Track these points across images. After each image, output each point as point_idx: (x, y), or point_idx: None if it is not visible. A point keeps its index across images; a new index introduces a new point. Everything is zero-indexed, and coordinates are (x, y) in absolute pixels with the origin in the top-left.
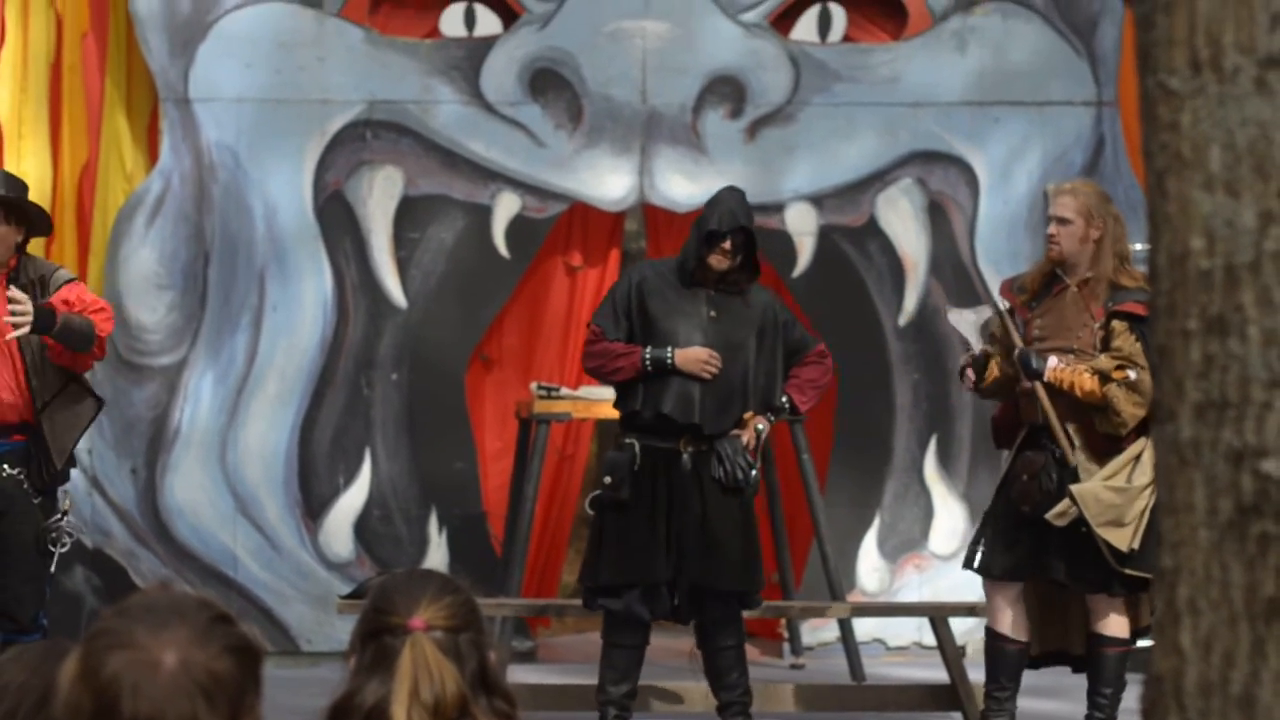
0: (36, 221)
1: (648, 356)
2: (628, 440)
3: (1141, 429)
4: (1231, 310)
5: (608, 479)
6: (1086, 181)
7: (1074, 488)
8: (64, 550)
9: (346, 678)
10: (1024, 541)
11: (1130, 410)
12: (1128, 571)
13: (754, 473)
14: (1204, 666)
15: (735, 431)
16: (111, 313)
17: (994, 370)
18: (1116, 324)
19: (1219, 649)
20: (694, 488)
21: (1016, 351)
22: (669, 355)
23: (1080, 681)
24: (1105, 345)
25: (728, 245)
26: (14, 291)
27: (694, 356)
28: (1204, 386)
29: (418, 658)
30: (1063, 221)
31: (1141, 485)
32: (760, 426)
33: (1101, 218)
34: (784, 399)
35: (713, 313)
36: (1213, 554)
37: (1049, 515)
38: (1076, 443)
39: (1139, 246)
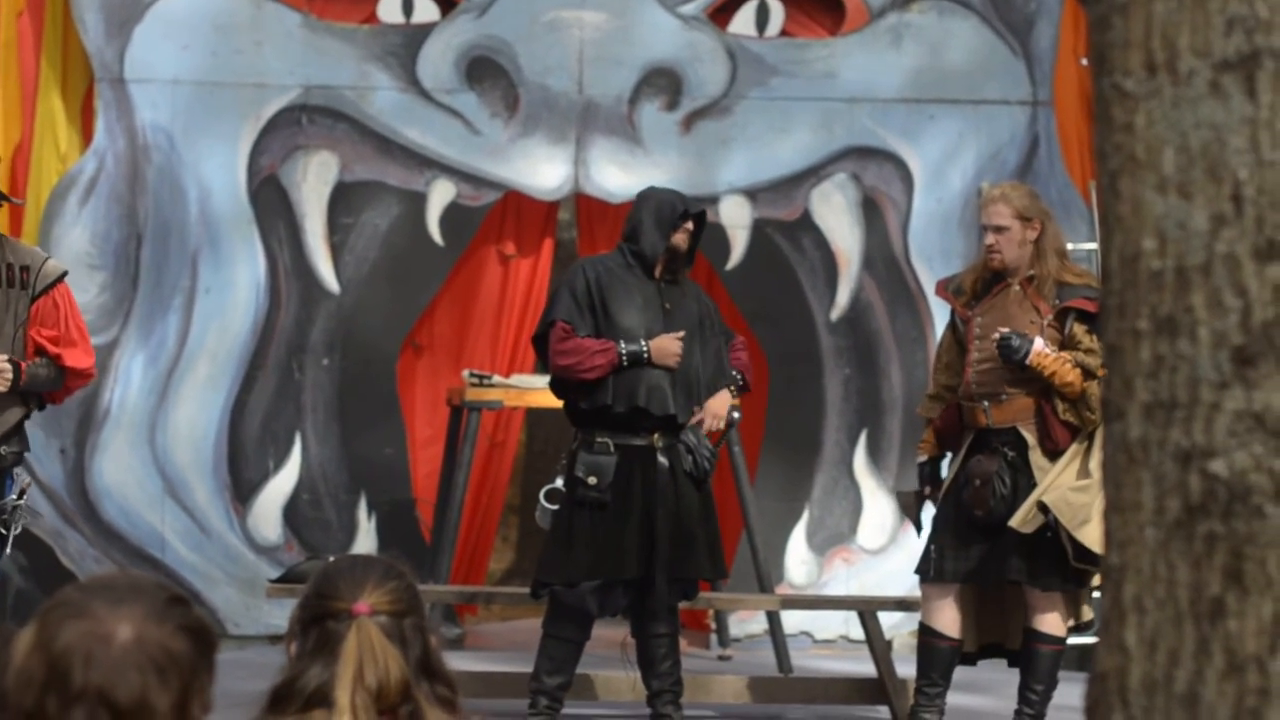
0: None
1: (624, 351)
2: (600, 440)
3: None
4: (1182, 311)
5: (592, 479)
6: (1014, 184)
7: (1046, 499)
8: (16, 533)
9: (286, 663)
10: (977, 545)
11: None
12: (1082, 566)
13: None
14: (1149, 665)
15: (694, 419)
16: (88, 342)
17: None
18: (1078, 327)
19: (1164, 647)
20: (669, 482)
21: (997, 335)
22: (644, 348)
23: (1009, 677)
24: (1062, 344)
25: (690, 226)
26: None
27: (667, 348)
28: (1153, 386)
29: (363, 642)
30: (999, 230)
31: (1101, 478)
32: (737, 415)
33: (1036, 217)
34: (737, 375)
35: (667, 304)
36: (1159, 553)
37: (1013, 523)
38: (1030, 443)
39: (1071, 246)
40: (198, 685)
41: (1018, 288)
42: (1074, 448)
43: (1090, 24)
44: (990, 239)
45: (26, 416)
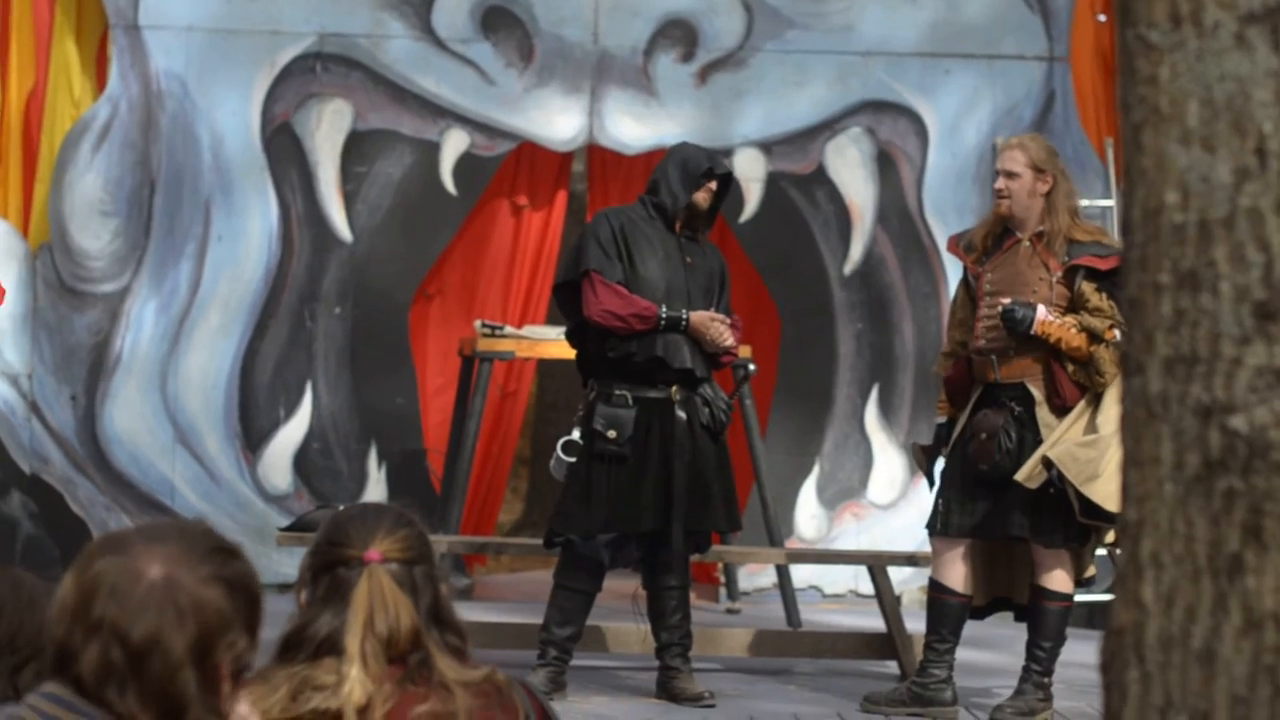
0: None
1: (664, 316)
2: (619, 392)
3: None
4: (1204, 265)
5: (612, 433)
6: (1034, 136)
7: (1051, 453)
8: None
9: (296, 610)
10: (982, 499)
11: (1112, 370)
12: (1089, 522)
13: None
14: (1165, 620)
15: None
16: None
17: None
18: (1086, 285)
19: (1181, 603)
20: (687, 435)
21: (1000, 306)
22: (684, 317)
23: (1018, 632)
24: (1071, 302)
25: (714, 186)
26: None
27: (708, 326)
28: (1174, 341)
29: (374, 590)
30: (1010, 175)
31: (1109, 434)
32: (752, 367)
33: (1050, 171)
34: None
35: (688, 258)
36: (1177, 508)
37: (1018, 477)
38: (1038, 398)
39: (1085, 202)
40: (227, 640)
41: (1028, 244)
42: (1081, 404)
43: None
44: (1000, 183)
45: None
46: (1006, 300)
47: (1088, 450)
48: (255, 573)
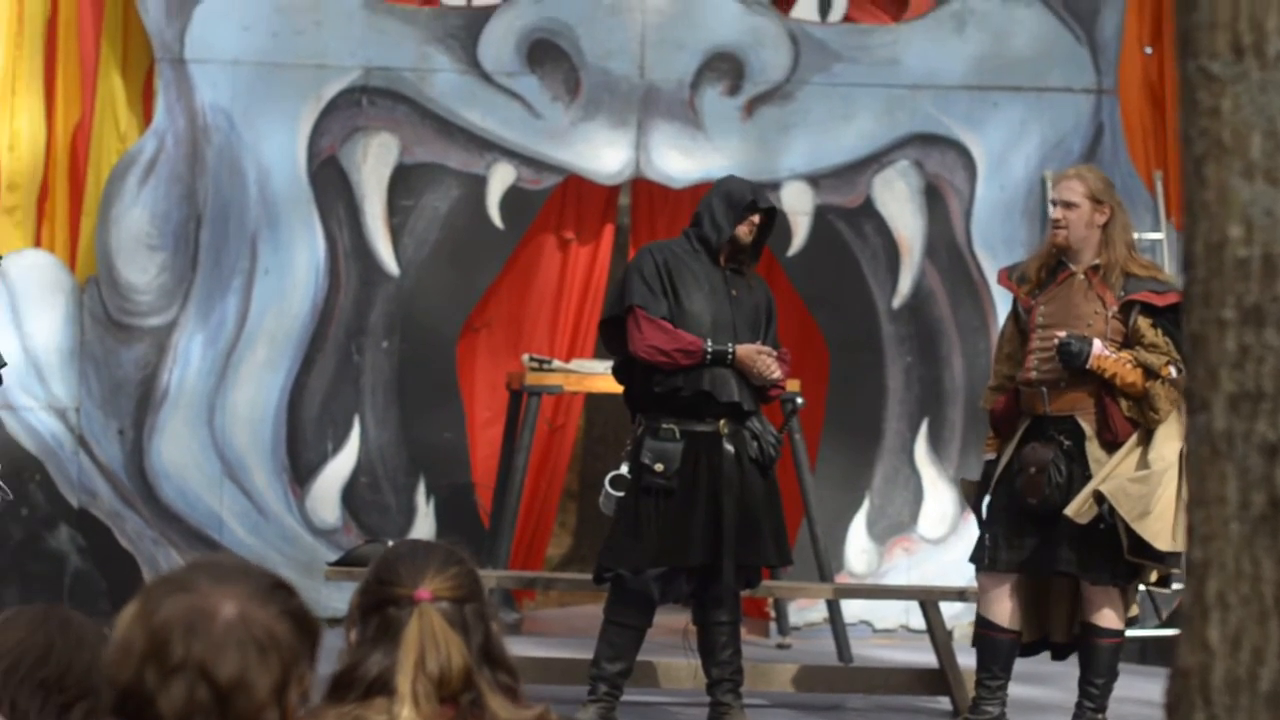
0: None
1: (709, 350)
2: (666, 426)
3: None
4: (1269, 300)
5: (659, 466)
6: (1090, 167)
7: (1103, 488)
8: None
9: (346, 648)
10: (1030, 534)
11: (1166, 406)
12: (1136, 560)
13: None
14: (1232, 662)
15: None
16: None
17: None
18: (1142, 321)
19: (1248, 645)
20: (735, 469)
21: (1055, 340)
22: (730, 350)
23: (1069, 669)
24: (1126, 337)
25: (757, 219)
26: None
27: (754, 360)
28: (1238, 377)
29: (425, 629)
30: (1069, 205)
31: (1161, 470)
32: (800, 400)
33: (1108, 203)
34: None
35: (734, 292)
36: (1244, 548)
37: (1068, 511)
38: (1088, 433)
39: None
40: (297, 672)
41: (1082, 277)
42: (1133, 439)
43: (1176, 6)
44: (1058, 213)
45: None
46: (1061, 334)
47: (1140, 486)
48: (308, 605)
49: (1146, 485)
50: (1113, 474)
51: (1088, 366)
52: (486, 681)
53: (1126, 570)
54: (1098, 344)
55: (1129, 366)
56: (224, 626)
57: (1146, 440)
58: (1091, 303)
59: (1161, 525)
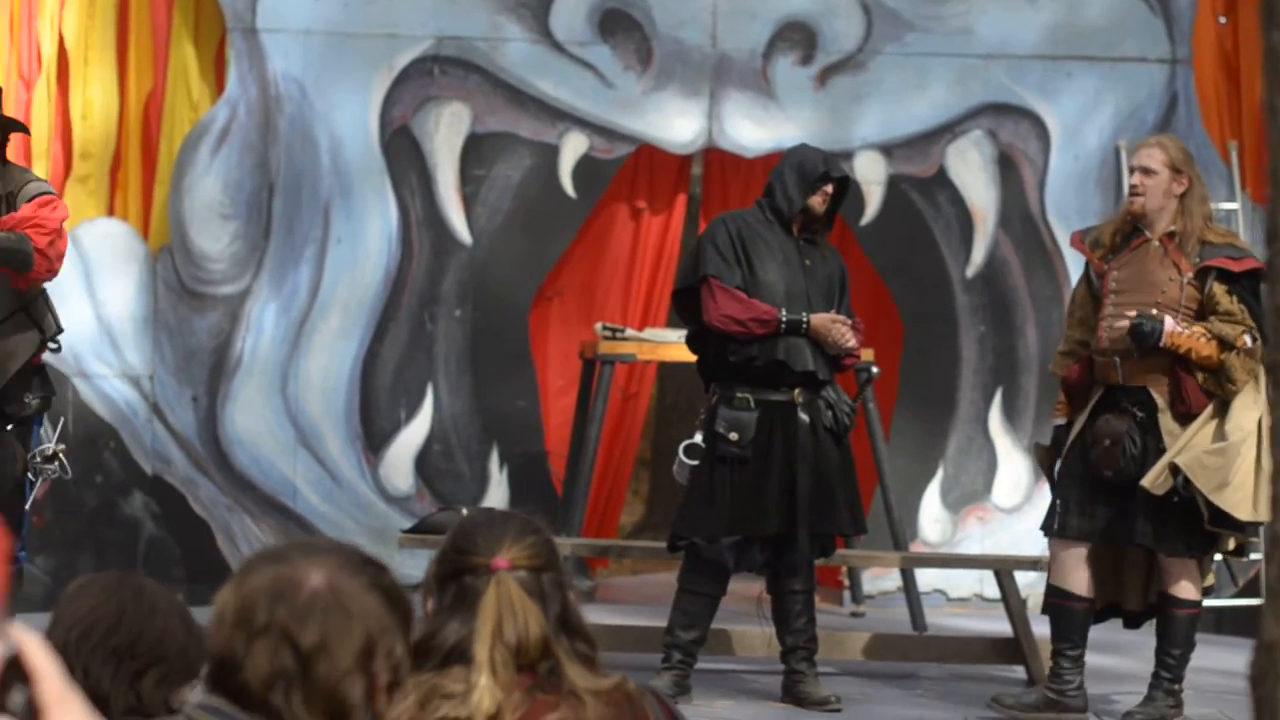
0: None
1: (784, 320)
2: (741, 395)
3: (1204, 393)
4: None
5: (734, 435)
6: (1171, 136)
7: (1179, 461)
8: (45, 484)
9: (424, 618)
10: (1103, 504)
11: (1243, 377)
12: (1217, 530)
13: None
14: None
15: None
16: (53, 228)
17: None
18: (1218, 287)
19: None
20: (810, 438)
21: (1126, 321)
22: (804, 319)
23: (1144, 637)
24: (1200, 305)
25: (830, 189)
26: None
27: (829, 329)
28: None
29: (502, 597)
30: (1147, 172)
31: (1239, 440)
32: (875, 370)
33: (1187, 174)
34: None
35: (807, 261)
36: None
37: (1144, 483)
38: (1160, 405)
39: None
40: (385, 645)
41: (1158, 243)
42: (1208, 410)
43: None
44: (1136, 179)
45: (36, 354)
46: (1132, 312)
47: (1216, 458)
48: (400, 583)
49: (1224, 457)
50: (1188, 445)
51: (1160, 345)
52: (564, 650)
53: (1202, 542)
54: (1169, 321)
55: (1203, 340)
56: (309, 594)
57: (1222, 412)
58: (1166, 269)
59: (1241, 495)
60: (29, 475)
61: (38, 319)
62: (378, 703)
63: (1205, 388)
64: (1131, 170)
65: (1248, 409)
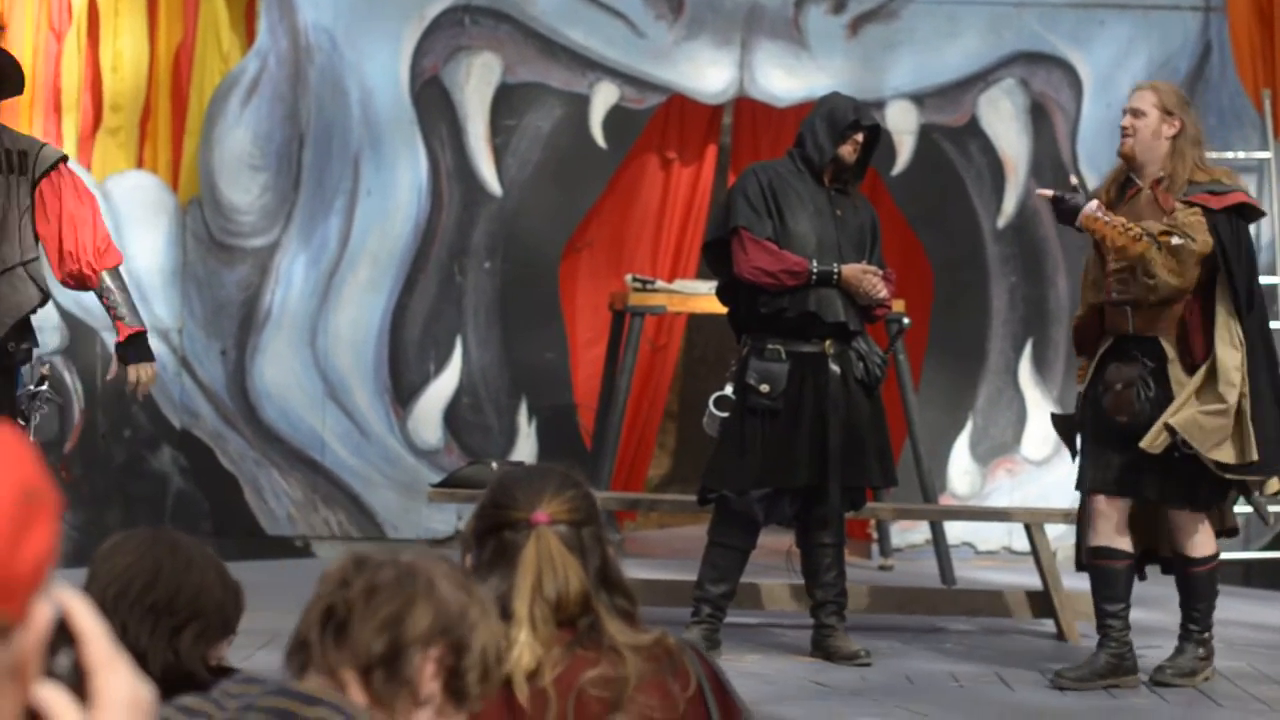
0: (7, 78)
1: (815, 271)
2: (772, 346)
3: (1210, 344)
4: None
5: (765, 387)
6: (1168, 83)
7: (1173, 421)
8: (36, 422)
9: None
10: (1115, 453)
11: (1164, 276)
12: (1233, 477)
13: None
14: None
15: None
16: (106, 237)
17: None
18: (1182, 205)
19: None
20: (840, 390)
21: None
22: (835, 270)
23: (1168, 591)
24: None
25: (860, 138)
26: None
27: (861, 280)
28: None
29: (542, 552)
30: (1137, 114)
31: (1235, 400)
32: (906, 321)
33: (1178, 116)
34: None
35: (838, 211)
36: None
37: (1143, 444)
38: (1170, 355)
39: (1242, 154)
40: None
41: (1148, 190)
42: (1201, 371)
43: None
44: (1126, 121)
45: (34, 310)
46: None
47: (1212, 419)
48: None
49: (1222, 418)
50: (1183, 406)
51: (1077, 225)
52: (604, 605)
53: (1207, 496)
54: (1092, 205)
55: (1118, 230)
56: (391, 565)
57: (1211, 373)
58: (1156, 213)
59: (1239, 449)
60: (22, 416)
61: (39, 279)
62: (420, 688)
63: (1120, 280)
64: (1124, 113)
65: (1237, 368)
